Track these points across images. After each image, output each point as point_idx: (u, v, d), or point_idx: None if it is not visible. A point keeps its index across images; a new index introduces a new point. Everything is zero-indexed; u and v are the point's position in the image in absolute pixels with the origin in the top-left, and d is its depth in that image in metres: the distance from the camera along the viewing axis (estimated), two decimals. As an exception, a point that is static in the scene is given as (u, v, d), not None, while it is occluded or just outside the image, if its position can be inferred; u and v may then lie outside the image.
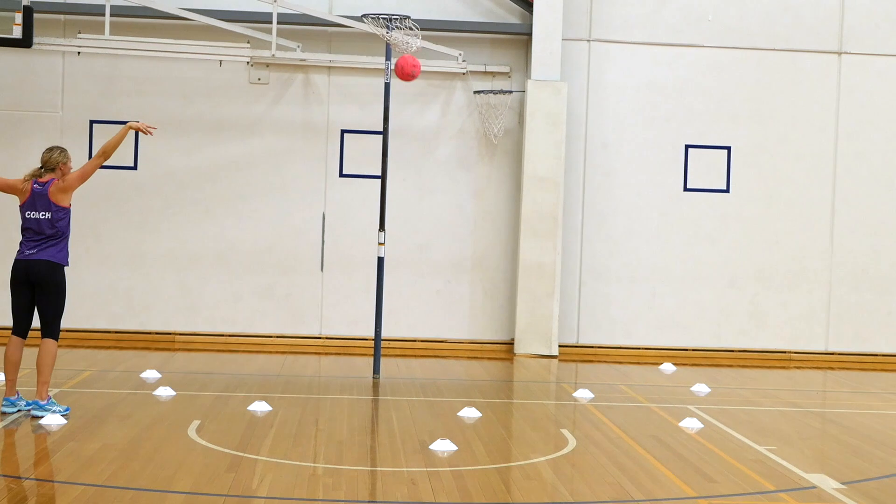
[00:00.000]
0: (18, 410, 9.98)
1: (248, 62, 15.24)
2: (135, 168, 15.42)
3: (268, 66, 15.41)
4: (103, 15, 14.33)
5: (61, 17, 15.26)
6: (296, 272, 15.52)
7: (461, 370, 14.12)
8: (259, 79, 15.47)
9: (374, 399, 11.62)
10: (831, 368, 15.51)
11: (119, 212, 15.41)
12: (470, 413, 10.68)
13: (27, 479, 7.73)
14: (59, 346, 14.55)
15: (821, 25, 15.91)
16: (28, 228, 10.00)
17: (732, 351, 15.87)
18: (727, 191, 15.90)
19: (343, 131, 15.55)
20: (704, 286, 15.86)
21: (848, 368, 15.51)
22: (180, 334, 15.33)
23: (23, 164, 15.26)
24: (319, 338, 15.57)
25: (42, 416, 9.76)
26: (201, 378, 12.50)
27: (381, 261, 13.06)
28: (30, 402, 10.01)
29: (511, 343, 15.57)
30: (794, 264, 15.95)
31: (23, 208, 9.99)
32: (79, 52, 14.97)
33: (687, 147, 15.88)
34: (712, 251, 15.88)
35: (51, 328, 10.03)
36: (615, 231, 15.80)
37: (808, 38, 15.91)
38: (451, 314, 15.68)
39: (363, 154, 15.44)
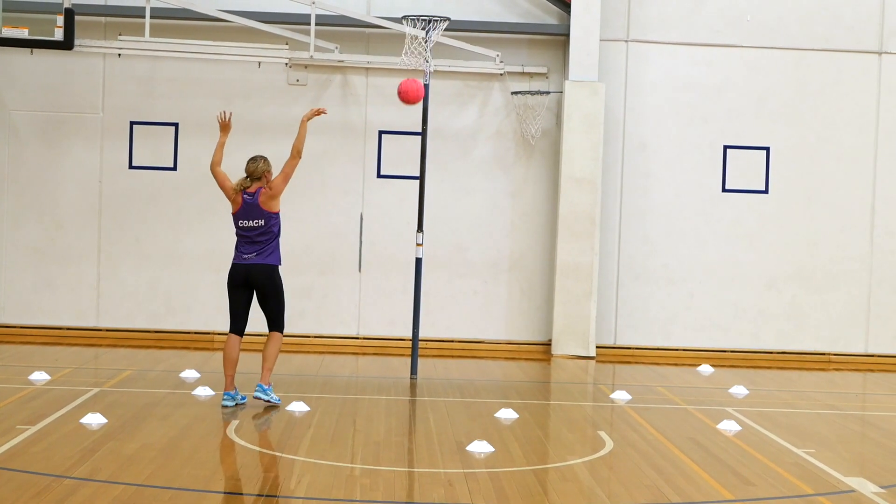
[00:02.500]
0: (237, 404, 10.69)
1: (286, 63, 15.31)
2: (174, 169, 15.53)
3: (306, 67, 15.48)
4: (143, 17, 14.44)
5: (102, 19, 15.39)
6: (334, 272, 15.58)
7: (498, 371, 14.13)
8: (297, 80, 15.54)
9: (411, 400, 11.65)
10: (871, 370, 15.40)
11: (159, 212, 15.52)
12: (507, 414, 10.69)
13: (68, 477, 7.81)
14: (101, 346, 14.81)
15: (861, 25, 15.80)
16: (243, 235, 10.72)
17: (771, 353, 15.79)
18: (766, 192, 15.82)
19: (381, 132, 15.58)
20: (743, 287, 15.79)
21: (888, 371, 15.40)
22: (219, 334, 15.42)
23: (64, 166, 15.47)
24: (357, 338, 15.62)
25: (266, 399, 10.68)
26: (240, 378, 12.53)
27: (418, 261, 13.09)
28: (258, 389, 10.74)
29: (548, 344, 15.56)
30: (834, 265, 15.85)
31: (236, 217, 10.73)
32: (119, 54, 15.10)
33: (725, 148, 15.81)
34: (751, 252, 15.81)
35: (277, 323, 10.82)
36: (653, 232, 15.76)
37: (847, 38, 15.80)
38: (489, 315, 15.69)
39: (401, 155, 15.47)
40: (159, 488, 7.62)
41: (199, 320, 15.51)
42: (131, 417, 10.01)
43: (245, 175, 10.79)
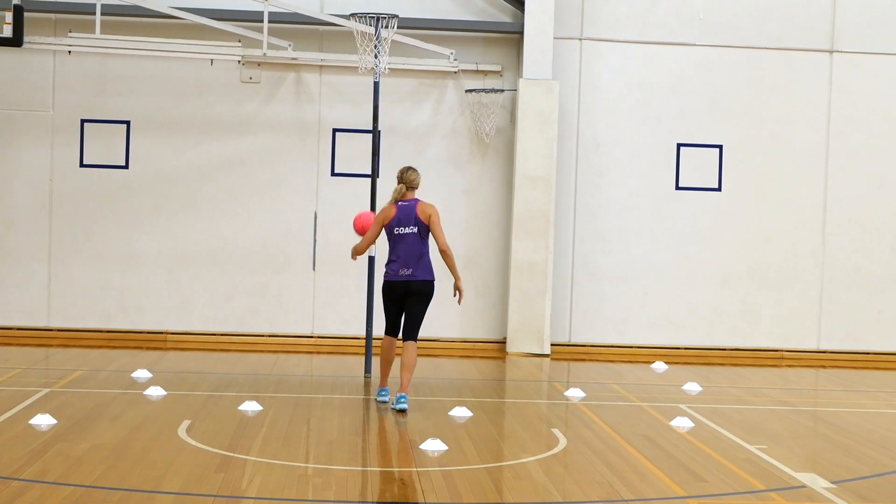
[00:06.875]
0: (385, 401, 11.07)
1: (239, 61, 15.22)
2: (126, 167, 15.39)
3: (259, 64, 15.39)
4: (94, 14, 14.30)
5: (52, 15, 15.23)
6: (287, 271, 15.50)
7: (453, 369, 14.11)
8: (250, 77, 15.45)
9: (365, 398, 11.61)
10: (823, 367, 15.52)
11: (110, 211, 15.38)
12: (461, 412, 10.67)
13: (16, 479, 7.71)
14: (52, 346, 14.68)
15: (812, 24, 15.92)
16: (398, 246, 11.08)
17: (724, 349, 15.87)
18: (719, 189, 15.91)
19: (335, 130, 15.53)
20: (697, 285, 15.87)
21: (839, 367, 15.53)
22: (172, 333, 15.32)
23: (14, 164, 15.30)
24: (311, 337, 15.55)
25: (406, 409, 10.72)
26: (192, 377, 12.49)
27: (371, 260, 13.04)
28: (400, 395, 10.81)
29: (503, 342, 15.56)
30: (786, 263, 15.96)
31: (387, 227, 11.06)
32: (69, 51, 14.94)
33: (679, 146, 15.88)
34: (704, 250, 15.88)
35: (417, 332, 11.21)
36: (607, 230, 15.80)
37: (799, 37, 15.91)
38: (443, 313, 15.61)
39: (355, 153, 15.42)
40: (109, 489, 7.54)
41: (151, 320, 15.39)
42: (81, 418, 9.91)
43: (400, 184, 11.10)
